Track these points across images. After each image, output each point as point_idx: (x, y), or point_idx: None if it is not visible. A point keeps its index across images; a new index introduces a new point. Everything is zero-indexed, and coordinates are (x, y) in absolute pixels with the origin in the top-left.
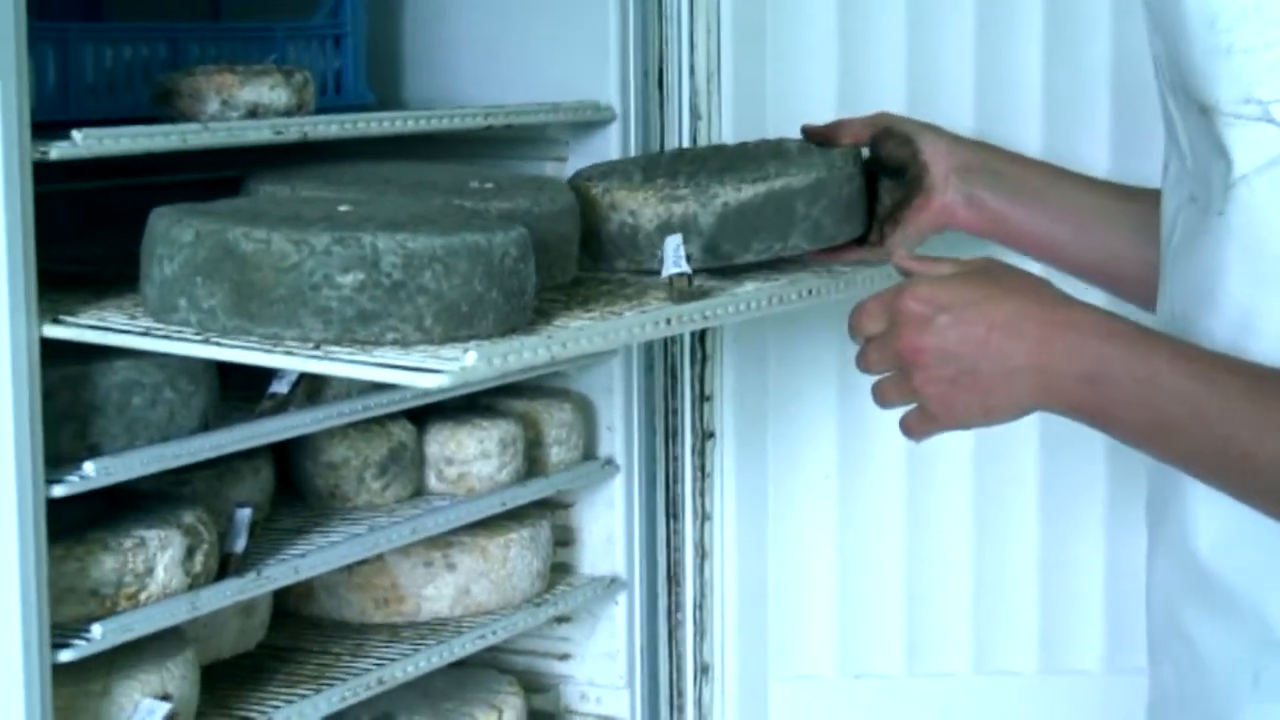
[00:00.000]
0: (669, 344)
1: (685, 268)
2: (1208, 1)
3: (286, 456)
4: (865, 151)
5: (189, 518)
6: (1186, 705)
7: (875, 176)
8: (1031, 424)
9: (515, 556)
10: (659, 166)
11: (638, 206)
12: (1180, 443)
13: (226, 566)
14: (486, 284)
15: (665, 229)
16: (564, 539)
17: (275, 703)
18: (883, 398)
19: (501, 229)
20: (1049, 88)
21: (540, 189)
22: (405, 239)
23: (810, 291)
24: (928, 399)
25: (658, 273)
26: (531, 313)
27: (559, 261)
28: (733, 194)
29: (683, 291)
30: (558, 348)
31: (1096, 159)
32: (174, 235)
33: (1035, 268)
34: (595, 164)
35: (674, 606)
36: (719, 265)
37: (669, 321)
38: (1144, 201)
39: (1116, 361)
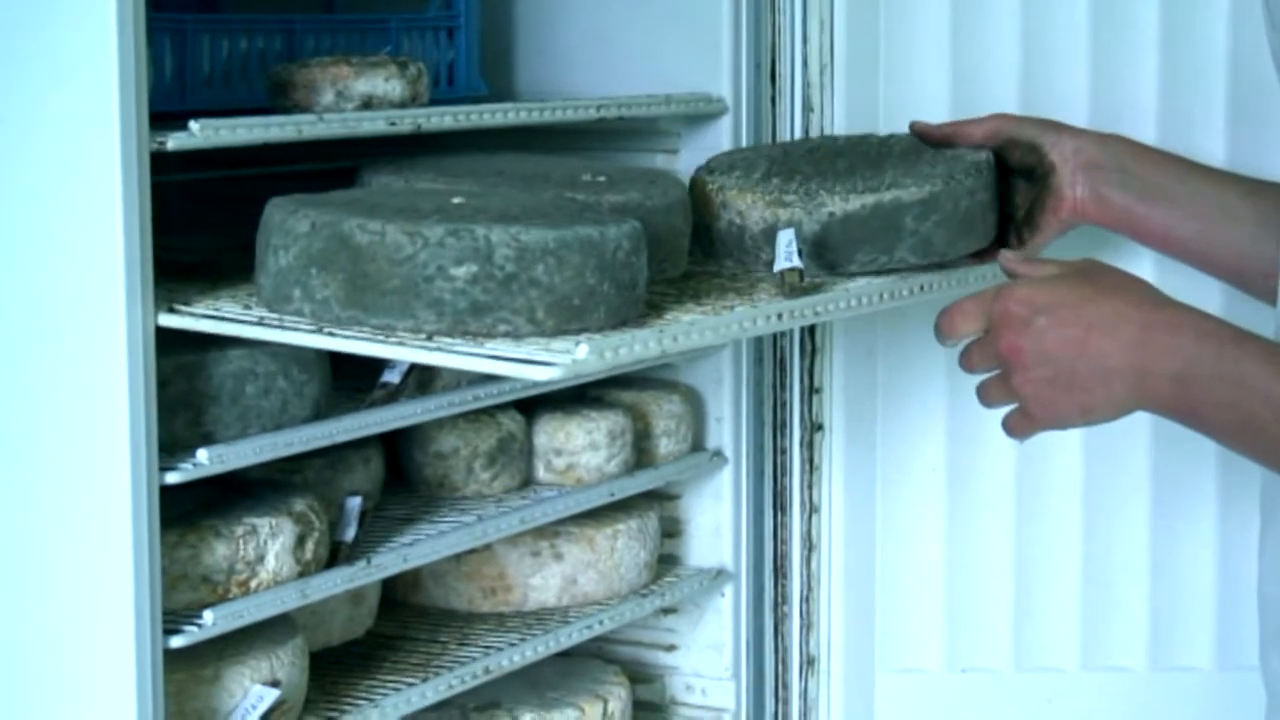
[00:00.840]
0: (778, 336)
1: (797, 262)
2: None
3: (396, 446)
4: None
5: (300, 506)
6: None
7: (1009, 178)
8: (1142, 420)
9: (622, 547)
10: (784, 161)
11: (745, 207)
12: (1267, 443)
13: (336, 555)
14: (599, 277)
15: (770, 233)
16: (671, 530)
17: (383, 690)
18: (986, 398)
19: (614, 222)
20: (1165, 79)
21: (653, 182)
22: (518, 232)
23: (922, 288)
24: (1027, 399)
25: (763, 273)
26: (643, 305)
27: (670, 255)
28: (839, 204)
29: (794, 286)
30: (669, 341)
31: (1212, 153)
32: (289, 226)
33: (1148, 267)
34: (729, 151)
35: (780, 599)
36: (823, 273)
37: (780, 316)
38: (1271, 198)
39: (1207, 362)
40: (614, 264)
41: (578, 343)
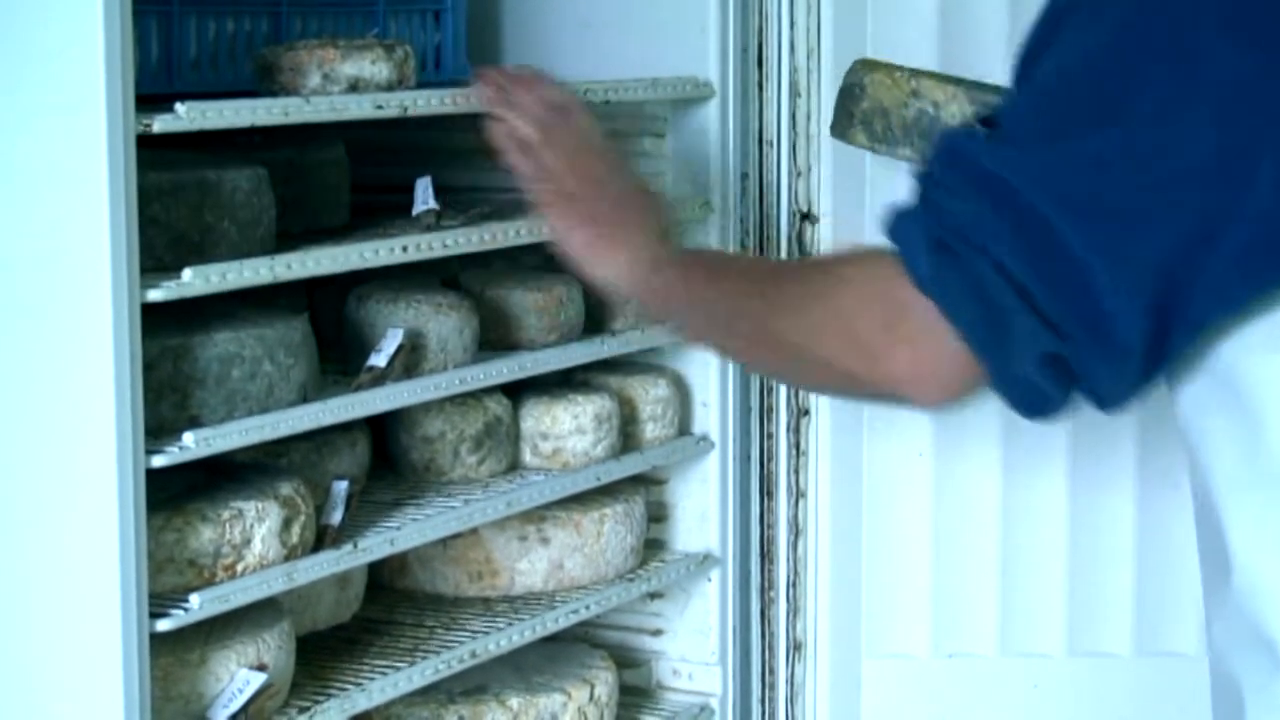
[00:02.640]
0: None
1: (433, 205)
2: None
3: (383, 430)
4: None
5: (286, 489)
6: None
7: None
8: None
9: (609, 532)
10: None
11: (944, 99)
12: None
13: (323, 538)
14: (217, 215)
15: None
16: (658, 515)
17: (369, 674)
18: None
19: (235, 166)
20: None
21: (312, 140)
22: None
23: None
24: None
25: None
26: (273, 242)
27: (328, 206)
28: None
29: (429, 225)
30: (281, 268)
31: None
32: None
33: None
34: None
35: (767, 584)
36: None
37: (404, 249)
38: None
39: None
40: (233, 204)
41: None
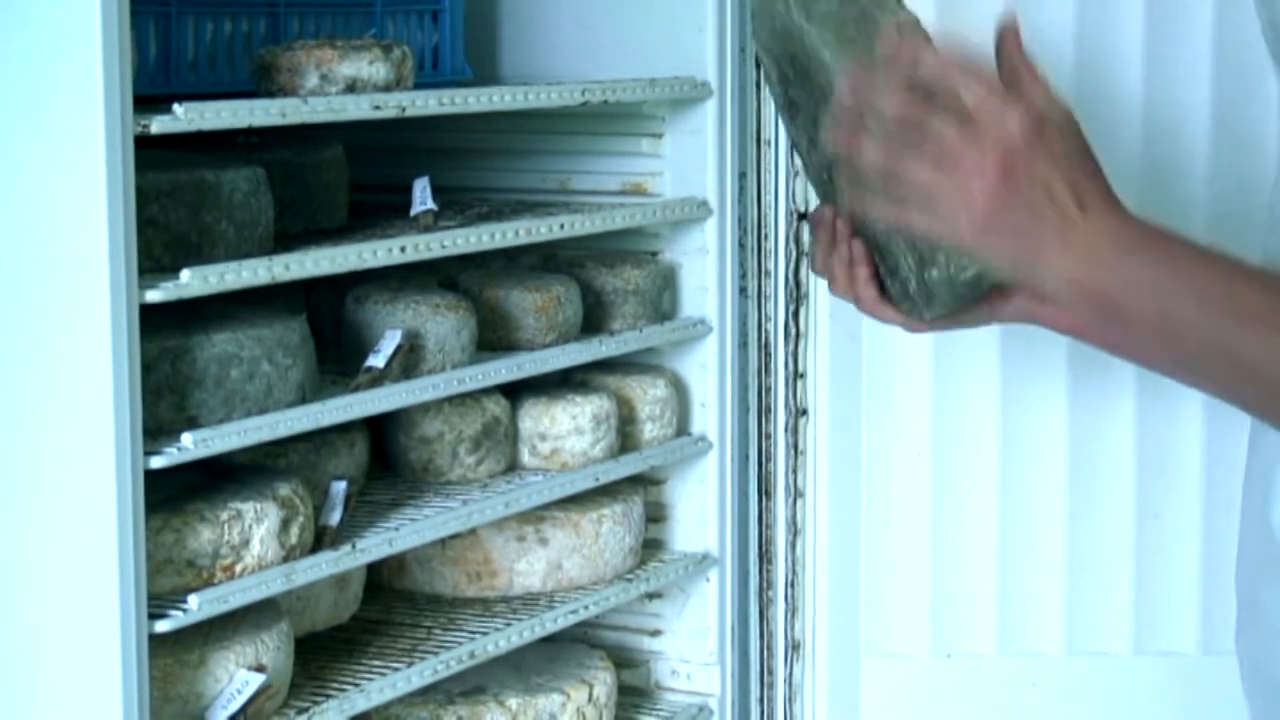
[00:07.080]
0: (763, 321)
1: (431, 205)
2: None
3: (381, 431)
4: None
5: (285, 490)
6: (1257, 675)
7: None
8: (1128, 407)
9: (607, 532)
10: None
11: None
12: (1187, 341)
13: (322, 539)
14: (215, 215)
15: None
16: (656, 515)
17: (368, 675)
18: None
19: (234, 166)
20: (1149, 69)
21: (307, 142)
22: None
23: (562, 225)
24: (966, 170)
25: None
26: (271, 243)
27: (325, 208)
28: None
29: (427, 226)
30: (279, 268)
31: (1196, 127)
32: None
33: None
34: None
35: (765, 584)
36: None
37: (402, 249)
38: None
39: (1141, 248)
40: (231, 204)
41: (183, 270)
